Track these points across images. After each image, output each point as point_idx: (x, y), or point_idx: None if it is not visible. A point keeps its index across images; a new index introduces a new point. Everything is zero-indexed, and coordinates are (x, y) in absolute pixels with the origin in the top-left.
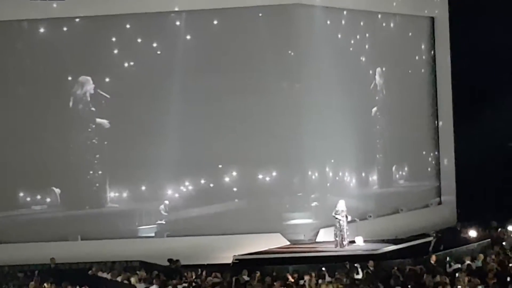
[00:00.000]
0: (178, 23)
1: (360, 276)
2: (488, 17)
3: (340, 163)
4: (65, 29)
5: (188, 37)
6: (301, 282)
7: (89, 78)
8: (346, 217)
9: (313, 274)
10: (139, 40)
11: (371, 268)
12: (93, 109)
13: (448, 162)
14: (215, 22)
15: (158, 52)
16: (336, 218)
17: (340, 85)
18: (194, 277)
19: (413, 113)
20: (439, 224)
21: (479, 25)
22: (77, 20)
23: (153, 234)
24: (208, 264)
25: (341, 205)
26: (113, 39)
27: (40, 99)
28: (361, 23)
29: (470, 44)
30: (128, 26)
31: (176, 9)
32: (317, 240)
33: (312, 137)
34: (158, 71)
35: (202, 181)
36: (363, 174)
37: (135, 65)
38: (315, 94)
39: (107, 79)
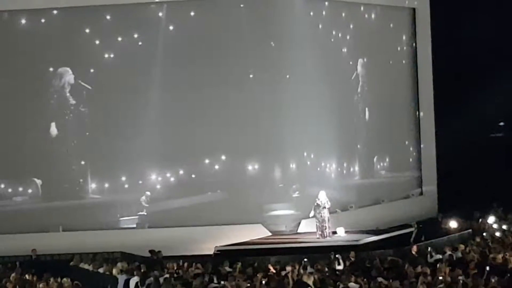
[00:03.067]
0: (159, 14)
1: (341, 266)
2: (469, 8)
3: (321, 154)
4: (45, 20)
5: (170, 28)
6: (283, 273)
7: (69, 69)
8: (325, 207)
9: (295, 265)
10: (120, 31)
11: (353, 259)
12: (74, 100)
13: (429, 152)
14: (197, 12)
15: (139, 43)
16: (319, 213)
17: (321, 76)
18: (175, 268)
19: (394, 104)
20: (420, 214)
21: (460, 16)
22: (58, 11)
23: (134, 225)
24: (189, 255)
25: (322, 196)
26: (94, 30)
27: (21, 90)
28: (343, 14)
29: (451, 35)
30: (109, 17)
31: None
32: (299, 231)
33: (293, 128)
34: (139, 62)
35: (184, 172)
36: (345, 165)
37: (116, 56)
38: (297, 85)
39: (88, 70)
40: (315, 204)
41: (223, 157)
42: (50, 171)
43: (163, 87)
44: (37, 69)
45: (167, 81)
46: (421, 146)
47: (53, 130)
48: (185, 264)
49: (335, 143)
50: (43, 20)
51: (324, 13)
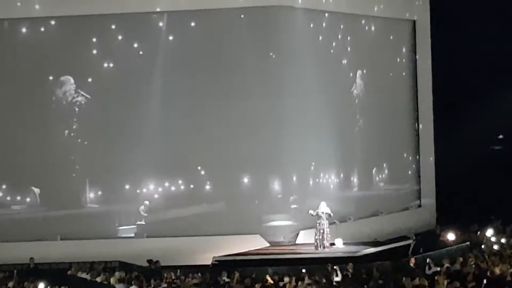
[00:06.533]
0: (160, 24)
1: (339, 278)
2: (469, 21)
3: (320, 165)
4: (46, 29)
5: (170, 38)
6: (281, 284)
7: (70, 78)
8: (320, 216)
9: (293, 276)
10: (120, 41)
11: (350, 271)
12: (73, 109)
13: (428, 165)
14: (197, 23)
15: (140, 53)
16: (319, 217)
17: (321, 88)
18: (173, 278)
19: (393, 116)
20: (418, 227)
21: (460, 29)
22: (58, 20)
23: (132, 235)
24: (187, 265)
25: (323, 207)
26: (95, 39)
27: (21, 98)
28: (343, 26)
29: (451, 48)
30: (110, 26)
31: (158, 9)
32: (297, 242)
33: (292, 139)
34: (140, 72)
35: (182, 182)
36: (343, 177)
37: (116, 66)
38: (296, 96)
39: (88, 80)
40: (317, 214)
41: (222, 168)
42: (49, 180)
43: (163, 97)
44: (37, 78)
45: (167, 92)
46: (420, 158)
47: (52, 139)
48: (183, 274)
49: (334, 155)
50: (43, 29)
51: (324, 24)
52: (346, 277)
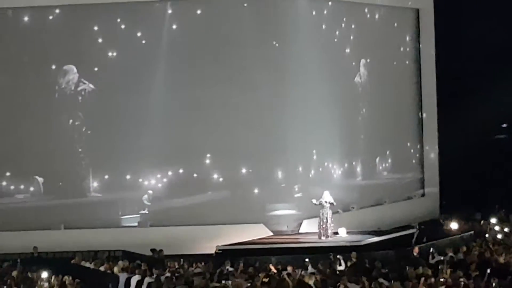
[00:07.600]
0: (163, 12)
1: (342, 267)
2: (473, 9)
3: (324, 154)
4: (49, 17)
5: (174, 26)
6: (284, 273)
7: (73, 67)
8: (323, 205)
9: (296, 265)
10: (124, 29)
11: (354, 260)
12: (77, 98)
13: (431, 154)
14: (200, 11)
15: (143, 42)
16: (323, 206)
17: (324, 76)
18: (177, 267)
19: (397, 105)
20: (422, 216)
21: (464, 17)
22: (61, 8)
23: (136, 224)
24: (191, 254)
25: (326, 196)
26: (98, 28)
27: (24, 88)
28: (346, 14)
29: (455, 36)
30: (113, 15)
31: None
32: (300, 231)
33: (296, 128)
34: (143, 60)
35: (186, 171)
36: (347, 166)
37: (119, 54)
38: (299, 85)
39: (91, 68)
40: (321, 203)
41: (226, 156)
42: (52, 169)
43: (166, 86)
44: (40, 67)
45: (170, 80)
46: (424, 147)
47: (55, 128)
48: (186, 263)
49: (338, 144)
50: (46, 18)
51: (327, 13)
52: (349, 266)
